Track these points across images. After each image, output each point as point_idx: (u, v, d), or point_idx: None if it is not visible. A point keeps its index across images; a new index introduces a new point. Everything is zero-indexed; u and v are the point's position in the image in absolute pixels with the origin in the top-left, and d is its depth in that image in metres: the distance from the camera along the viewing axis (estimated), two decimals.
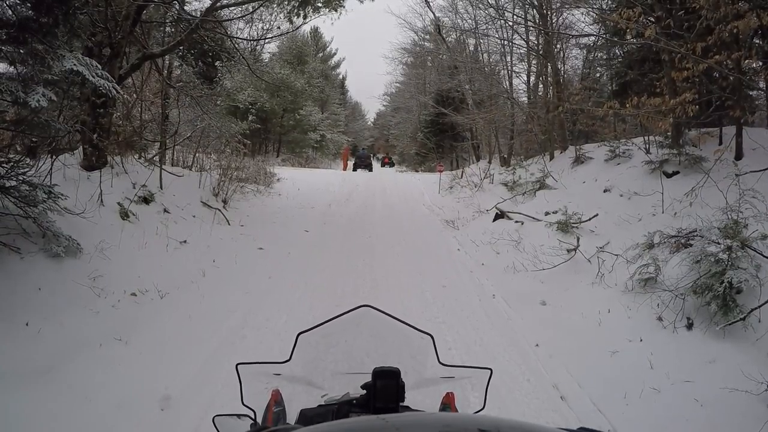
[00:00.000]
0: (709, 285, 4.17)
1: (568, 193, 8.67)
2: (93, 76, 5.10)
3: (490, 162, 22.44)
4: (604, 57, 14.31)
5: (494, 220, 8.54)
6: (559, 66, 13.52)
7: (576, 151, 10.06)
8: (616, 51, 13.12)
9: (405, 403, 1.17)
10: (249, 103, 20.87)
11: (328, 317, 1.26)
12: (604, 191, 8.11)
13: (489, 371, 1.29)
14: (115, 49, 8.01)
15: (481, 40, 20.09)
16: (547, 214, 7.63)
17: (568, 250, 6.01)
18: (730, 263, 4.17)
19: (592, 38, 13.25)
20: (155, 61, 9.29)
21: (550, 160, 11.96)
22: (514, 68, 19.26)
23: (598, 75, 15.71)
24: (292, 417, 1.32)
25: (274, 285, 5.69)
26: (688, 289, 4.35)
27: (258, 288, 5.50)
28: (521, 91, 20.30)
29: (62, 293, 4.20)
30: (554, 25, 13.29)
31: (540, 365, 4.01)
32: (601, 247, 5.89)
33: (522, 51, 17.45)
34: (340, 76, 44.37)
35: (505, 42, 15.77)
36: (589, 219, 6.73)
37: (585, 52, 15.04)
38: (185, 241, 6.67)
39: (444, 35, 22.33)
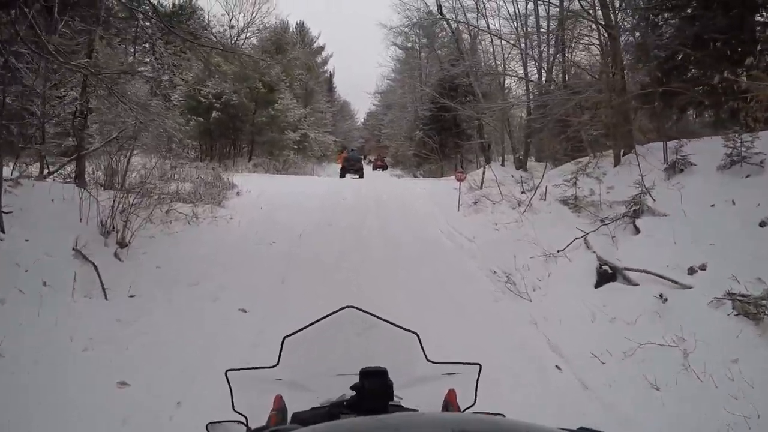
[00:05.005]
0: None
1: (690, 224, 5.23)
2: None
3: (503, 164, 19.00)
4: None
5: (598, 285, 4.86)
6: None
7: (674, 153, 6.64)
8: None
9: (394, 402, 1.13)
10: (213, 96, 17.25)
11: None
12: (761, 225, 4.71)
13: (478, 366, 1.26)
14: None
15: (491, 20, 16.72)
16: (692, 271, 4.12)
17: None
18: None
19: None
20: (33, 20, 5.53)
21: (615, 165, 8.54)
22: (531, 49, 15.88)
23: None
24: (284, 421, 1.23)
25: None
26: None
27: None
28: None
29: None
30: None
31: None
32: None
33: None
34: (328, 73, 40.87)
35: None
36: None
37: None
38: None
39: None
